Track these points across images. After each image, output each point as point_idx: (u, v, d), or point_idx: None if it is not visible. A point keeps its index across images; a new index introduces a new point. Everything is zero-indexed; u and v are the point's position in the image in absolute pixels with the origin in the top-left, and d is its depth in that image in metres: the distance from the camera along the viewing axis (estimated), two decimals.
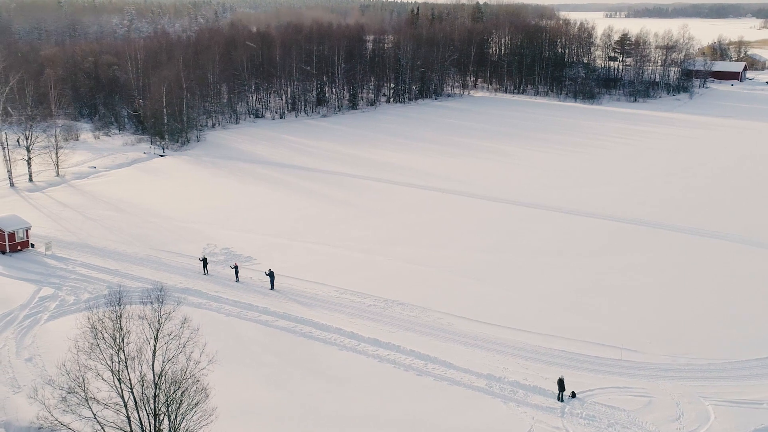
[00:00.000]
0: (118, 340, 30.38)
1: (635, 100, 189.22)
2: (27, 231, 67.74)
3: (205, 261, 62.56)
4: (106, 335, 30.21)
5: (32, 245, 67.86)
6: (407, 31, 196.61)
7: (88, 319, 31.10)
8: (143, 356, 31.54)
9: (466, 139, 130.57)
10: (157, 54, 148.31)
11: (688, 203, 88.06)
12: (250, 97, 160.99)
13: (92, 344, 30.41)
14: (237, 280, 60.58)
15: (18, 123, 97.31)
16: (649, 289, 60.70)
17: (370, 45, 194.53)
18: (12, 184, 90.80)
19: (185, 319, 33.89)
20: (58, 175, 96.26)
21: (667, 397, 43.12)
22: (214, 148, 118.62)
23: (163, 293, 32.35)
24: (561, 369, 46.16)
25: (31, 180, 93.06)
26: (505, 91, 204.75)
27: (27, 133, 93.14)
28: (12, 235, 66.13)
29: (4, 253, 66.08)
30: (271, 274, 59.09)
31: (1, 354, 47.04)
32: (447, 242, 72.11)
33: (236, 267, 61.15)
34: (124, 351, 30.70)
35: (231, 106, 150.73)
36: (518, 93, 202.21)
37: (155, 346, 31.00)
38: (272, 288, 58.77)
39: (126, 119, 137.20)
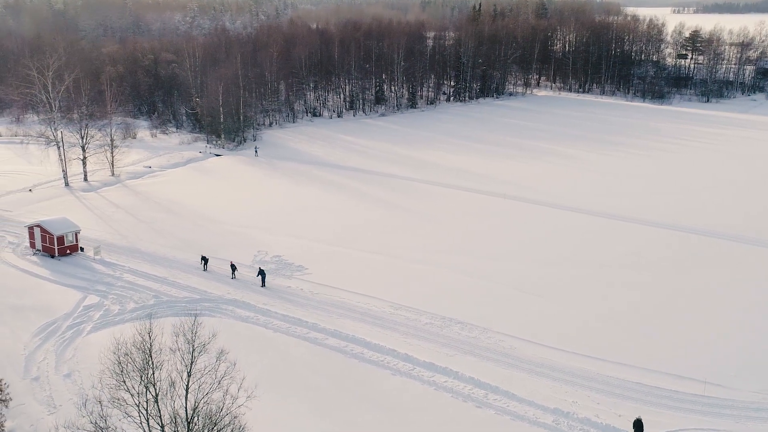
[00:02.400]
0: (148, 375, 27.53)
1: (708, 101, 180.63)
2: (76, 234, 66.31)
3: (205, 259, 62.03)
4: (134, 372, 27.38)
5: (81, 249, 66.42)
6: (469, 28, 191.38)
7: (114, 353, 28.33)
8: (176, 391, 28.68)
9: (529, 141, 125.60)
10: (215, 52, 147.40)
11: None
12: (308, 96, 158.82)
13: (119, 380, 27.65)
14: (233, 277, 59.96)
15: (77, 121, 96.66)
16: (733, 311, 55.32)
17: (430, 42, 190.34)
18: (67, 184, 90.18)
19: (221, 351, 30.88)
20: (113, 174, 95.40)
21: None
22: (271, 148, 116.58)
23: (196, 327, 29.25)
24: (636, 405, 41.71)
25: (85, 179, 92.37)
26: (570, 90, 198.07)
27: (83, 132, 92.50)
28: (61, 239, 64.75)
29: (53, 256, 64.79)
30: (262, 273, 58.53)
31: (41, 368, 45.15)
32: (509, 253, 67.90)
33: (233, 265, 60.36)
34: (155, 386, 27.86)
35: (288, 105, 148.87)
36: (583, 92, 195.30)
37: (188, 383, 28.08)
38: (263, 285, 58.35)
39: (184, 117, 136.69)
